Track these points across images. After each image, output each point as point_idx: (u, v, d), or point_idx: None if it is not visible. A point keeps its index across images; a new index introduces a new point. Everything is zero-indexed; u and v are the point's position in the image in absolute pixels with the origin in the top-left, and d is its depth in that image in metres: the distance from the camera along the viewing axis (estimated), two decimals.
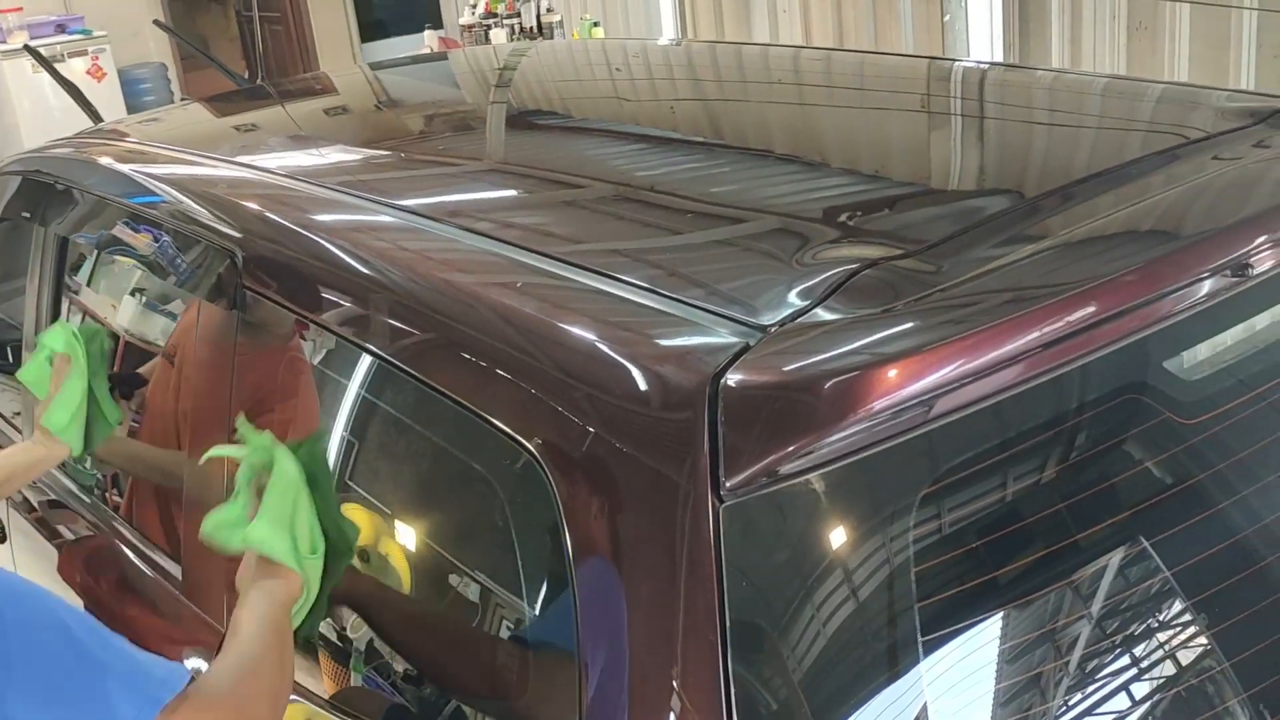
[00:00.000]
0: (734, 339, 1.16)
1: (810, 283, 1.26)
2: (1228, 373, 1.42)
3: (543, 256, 1.43)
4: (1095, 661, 1.26)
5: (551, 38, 7.08)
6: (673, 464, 1.12)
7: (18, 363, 2.41)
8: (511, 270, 1.43)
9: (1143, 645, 1.29)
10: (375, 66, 3.75)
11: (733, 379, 1.10)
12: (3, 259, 2.64)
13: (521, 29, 7.16)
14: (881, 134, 2.01)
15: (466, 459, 1.42)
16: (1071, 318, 1.19)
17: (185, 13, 11.77)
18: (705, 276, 1.37)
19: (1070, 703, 1.24)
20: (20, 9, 9.67)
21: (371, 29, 12.07)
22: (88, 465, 2.23)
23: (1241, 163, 1.57)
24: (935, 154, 1.85)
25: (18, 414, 2.53)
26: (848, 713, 1.13)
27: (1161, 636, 1.30)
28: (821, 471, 1.11)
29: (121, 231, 2.11)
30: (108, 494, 2.20)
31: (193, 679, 1.22)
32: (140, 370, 2.13)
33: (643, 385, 1.17)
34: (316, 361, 1.64)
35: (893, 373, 1.08)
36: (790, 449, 1.07)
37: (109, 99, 9.16)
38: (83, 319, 2.26)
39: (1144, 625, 1.30)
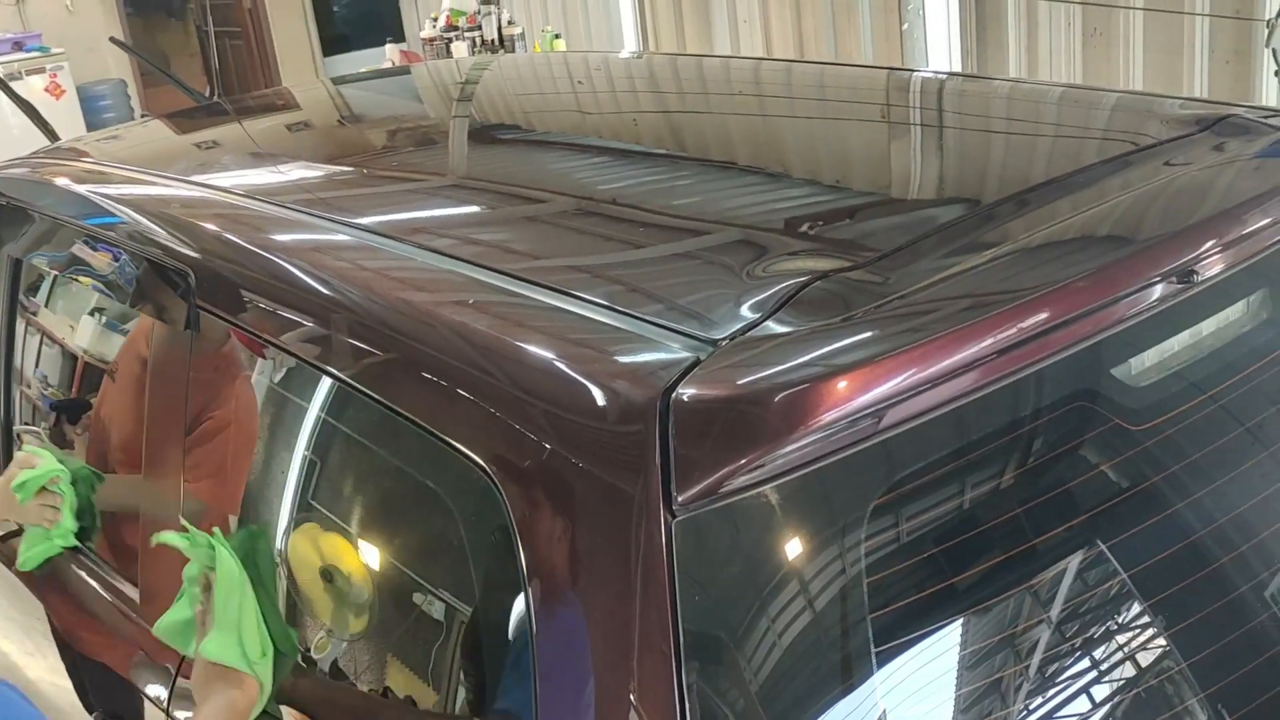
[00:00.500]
0: (685, 354, 1.17)
1: (762, 295, 1.27)
2: (1175, 378, 1.44)
3: (498, 274, 1.43)
4: (1055, 665, 1.27)
5: (513, 50, 7.07)
6: (626, 480, 1.12)
7: None
8: (467, 288, 1.42)
9: (1101, 649, 1.30)
10: (336, 81, 3.75)
11: (683, 393, 1.11)
12: None
13: (483, 42, 7.16)
14: (837, 146, 2.02)
15: (421, 477, 1.42)
16: (1020, 326, 1.20)
17: (146, 29, 11.71)
18: (659, 291, 1.38)
19: (1030, 706, 1.25)
20: None
21: (333, 43, 12.05)
22: None
23: (1188, 170, 1.59)
24: (889, 164, 1.87)
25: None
26: None
27: (1120, 639, 1.31)
28: (773, 484, 1.11)
29: (78, 252, 2.09)
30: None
31: None
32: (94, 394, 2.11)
33: (595, 401, 1.18)
34: (270, 380, 1.63)
35: (842, 384, 1.09)
36: (741, 463, 1.07)
37: (68, 116, 9.10)
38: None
39: (1099, 629, 1.31)
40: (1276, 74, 3.90)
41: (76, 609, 2.05)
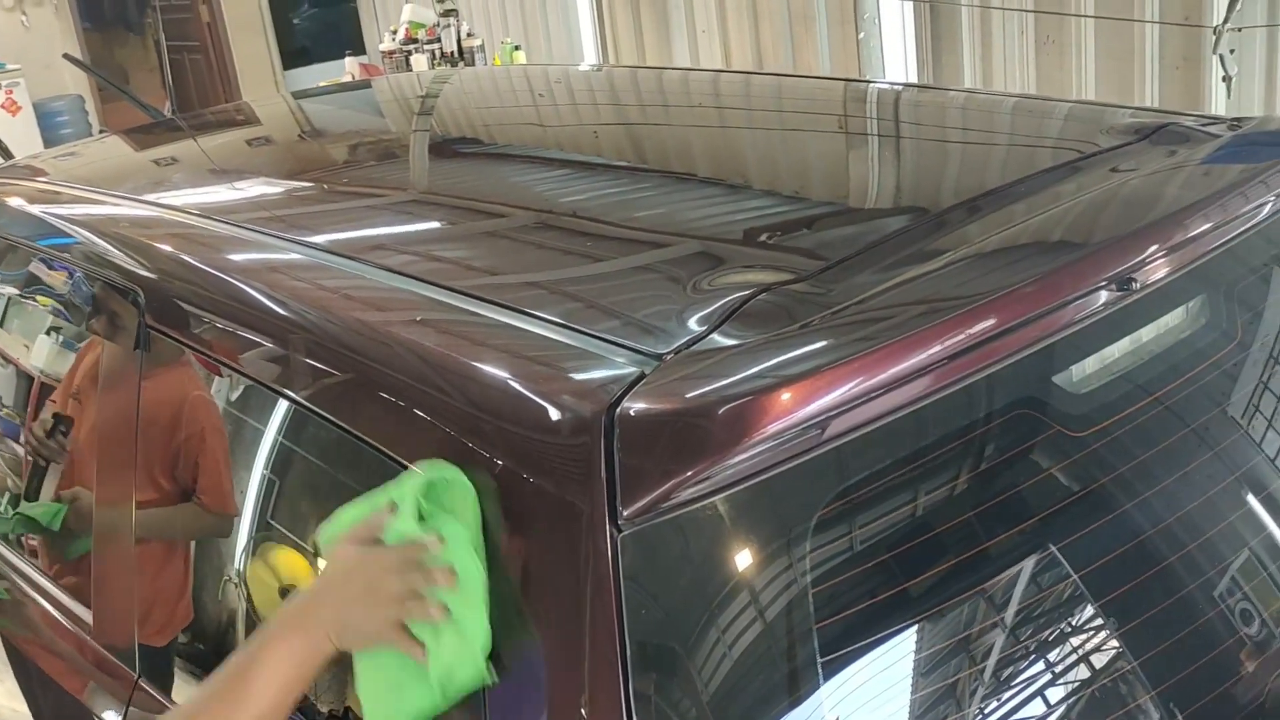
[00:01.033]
0: (631, 368, 1.18)
1: (708, 309, 1.28)
2: (1120, 381, 1.46)
3: (450, 291, 1.43)
4: (1007, 670, 1.28)
5: (473, 63, 7.07)
6: (573, 493, 1.13)
7: None
8: (418, 306, 1.43)
9: (1052, 651, 1.31)
10: (296, 96, 3.74)
11: (629, 408, 1.11)
12: None
13: (442, 54, 7.14)
14: (791, 158, 2.04)
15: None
16: (962, 335, 1.21)
17: (104, 44, 11.62)
18: (607, 305, 1.39)
19: (985, 710, 1.26)
20: None
21: (293, 56, 11.99)
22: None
23: (1127, 179, 1.61)
24: (841, 176, 1.88)
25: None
26: None
27: (1071, 641, 1.33)
28: (720, 496, 1.12)
29: (33, 270, 2.09)
30: (23, 539, 2.17)
31: None
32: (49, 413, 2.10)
33: (542, 416, 1.18)
34: (221, 399, 1.63)
35: (786, 396, 1.10)
36: (687, 475, 1.08)
37: (24, 133, 9.00)
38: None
39: (1047, 633, 1.32)
40: (1224, 79, 3.96)
41: (32, 632, 2.04)
